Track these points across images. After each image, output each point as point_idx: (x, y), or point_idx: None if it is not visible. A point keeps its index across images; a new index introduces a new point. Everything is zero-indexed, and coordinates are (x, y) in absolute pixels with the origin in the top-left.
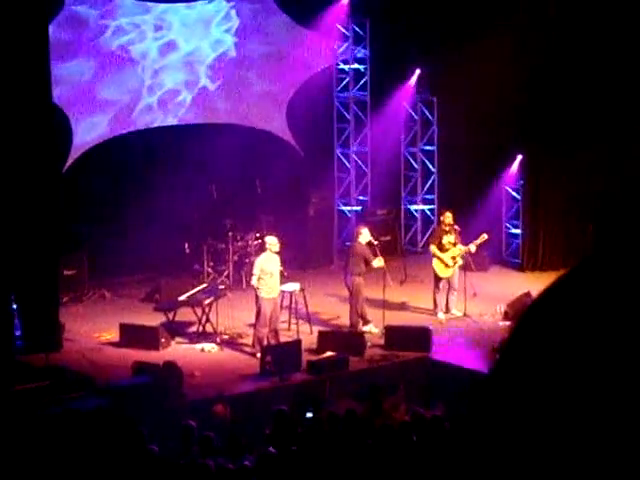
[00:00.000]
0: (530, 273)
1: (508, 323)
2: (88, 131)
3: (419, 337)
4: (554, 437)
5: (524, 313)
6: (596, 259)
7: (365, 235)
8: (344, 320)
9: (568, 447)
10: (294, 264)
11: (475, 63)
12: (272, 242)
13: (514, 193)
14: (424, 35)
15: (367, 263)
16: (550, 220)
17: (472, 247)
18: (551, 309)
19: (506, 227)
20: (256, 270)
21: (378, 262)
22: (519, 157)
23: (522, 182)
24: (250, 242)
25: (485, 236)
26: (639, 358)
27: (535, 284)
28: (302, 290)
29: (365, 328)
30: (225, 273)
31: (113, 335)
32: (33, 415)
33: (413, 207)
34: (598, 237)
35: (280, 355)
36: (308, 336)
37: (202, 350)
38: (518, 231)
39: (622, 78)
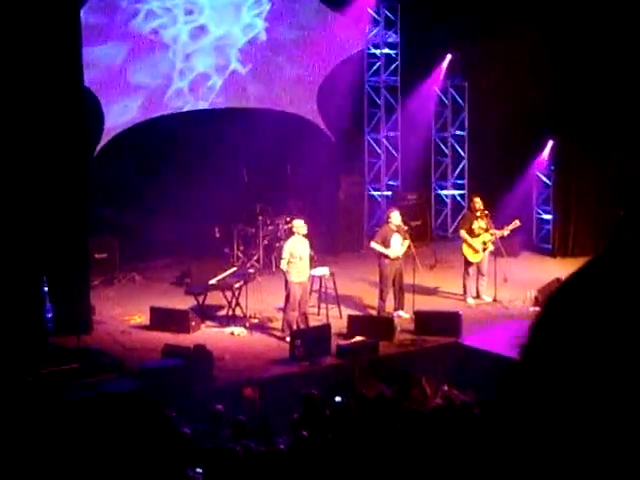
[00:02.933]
0: (561, 259)
1: (538, 309)
2: (119, 115)
3: (449, 322)
4: (583, 420)
5: (552, 296)
6: (625, 243)
7: (395, 218)
8: (375, 304)
9: (598, 429)
10: (324, 248)
11: (507, 48)
12: (299, 225)
13: (545, 179)
14: (455, 20)
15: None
16: (581, 206)
17: (504, 232)
18: (579, 292)
19: (537, 213)
20: (285, 254)
21: (394, 252)
22: (550, 143)
23: (553, 168)
24: (280, 226)
25: (518, 222)
26: None
27: (566, 270)
28: (332, 274)
29: (397, 313)
30: (255, 257)
31: (143, 318)
32: (63, 397)
33: (443, 192)
34: (629, 222)
35: (309, 339)
36: (338, 320)
37: (232, 334)
38: (549, 217)
39: None
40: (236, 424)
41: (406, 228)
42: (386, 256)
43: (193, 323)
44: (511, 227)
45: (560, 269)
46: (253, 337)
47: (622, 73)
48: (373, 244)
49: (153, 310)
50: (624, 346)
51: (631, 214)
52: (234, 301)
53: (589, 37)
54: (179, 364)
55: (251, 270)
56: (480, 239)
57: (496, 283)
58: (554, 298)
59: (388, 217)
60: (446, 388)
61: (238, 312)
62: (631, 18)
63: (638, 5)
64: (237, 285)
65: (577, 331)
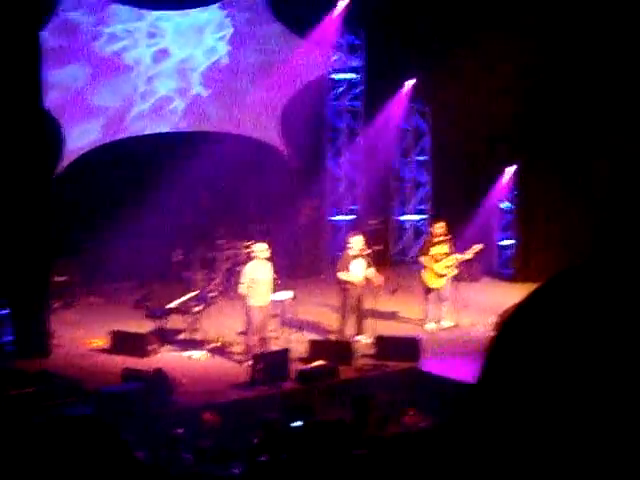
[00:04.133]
0: (522, 284)
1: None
2: (81, 137)
3: (409, 347)
4: (537, 441)
5: (506, 320)
6: (582, 267)
7: (356, 243)
8: (335, 329)
9: (553, 451)
10: (285, 272)
11: (469, 74)
12: (260, 249)
13: (507, 204)
14: (419, 45)
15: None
16: (542, 231)
17: (465, 257)
18: (532, 316)
19: (498, 238)
20: (245, 278)
21: (349, 276)
22: (512, 168)
23: (515, 193)
24: (241, 250)
25: (479, 246)
26: (622, 361)
27: (526, 294)
28: (293, 299)
29: (358, 338)
30: (216, 281)
31: (103, 342)
32: (18, 422)
33: (405, 217)
34: (592, 246)
35: (270, 363)
36: (298, 345)
37: (191, 358)
38: (510, 242)
39: (617, 89)
40: (196, 449)
41: (367, 252)
42: (347, 281)
43: (153, 347)
44: (472, 251)
45: (521, 294)
46: (213, 361)
47: (584, 98)
48: (340, 275)
49: (113, 333)
50: (575, 368)
51: (595, 238)
52: (194, 325)
53: (550, 64)
54: (138, 388)
55: (211, 294)
56: (442, 264)
57: (457, 308)
58: (508, 321)
59: (348, 242)
60: (406, 413)
61: (198, 336)
62: (590, 43)
63: (596, 30)
64: (197, 309)
65: (530, 353)
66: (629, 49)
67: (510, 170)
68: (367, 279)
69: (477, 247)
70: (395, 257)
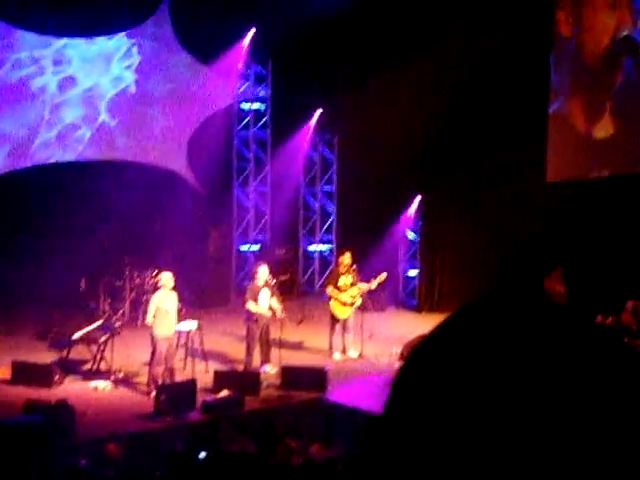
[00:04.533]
0: (427, 314)
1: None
2: None
3: (315, 378)
4: (442, 472)
5: (412, 350)
6: (488, 299)
7: (263, 273)
8: (242, 359)
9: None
10: (192, 302)
11: (376, 104)
12: (167, 278)
13: (412, 234)
14: (326, 76)
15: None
16: (447, 261)
17: (371, 286)
18: (438, 347)
19: (404, 268)
20: (152, 308)
21: (257, 307)
22: (418, 198)
23: (420, 223)
24: (148, 279)
25: (384, 275)
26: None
27: (431, 325)
28: (199, 329)
29: (263, 368)
30: (121, 310)
31: (5, 372)
32: None
33: (312, 247)
34: (499, 277)
35: (175, 394)
36: (204, 375)
37: (96, 388)
38: (415, 272)
39: (518, 123)
40: None
41: (274, 282)
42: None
43: (57, 377)
44: (378, 280)
45: (426, 324)
46: (118, 392)
47: (487, 130)
48: (249, 305)
49: (15, 364)
50: (477, 402)
51: (500, 270)
52: (99, 355)
53: (455, 96)
54: (38, 420)
55: (117, 324)
56: (347, 294)
57: (362, 338)
58: (414, 353)
59: (255, 272)
60: (311, 444)
61: (103, 366)
62: (489, 79)
63: (496, 64)
64: (102, 339)
65: (434, 387)
66: (521, 90)
67: (416, 200)
68: (273, 309)
69: (381, 277)
70: (302, 287)
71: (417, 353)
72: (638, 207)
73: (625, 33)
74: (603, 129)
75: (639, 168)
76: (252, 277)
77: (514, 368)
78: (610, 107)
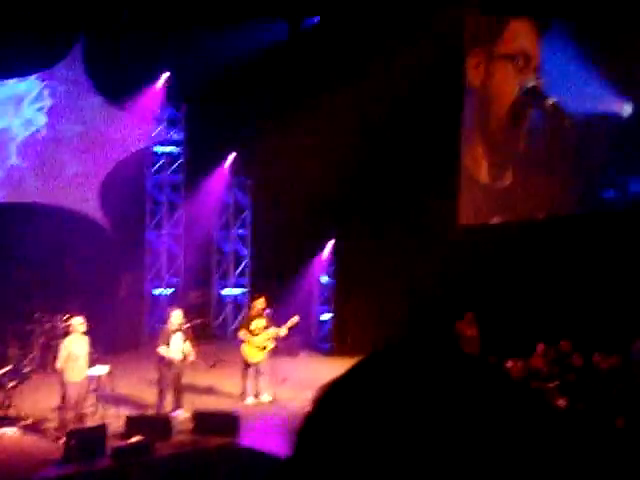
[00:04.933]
0: (339, 358)
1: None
2: None
3: (227, 422)
4: None
5: (320, 395)
6: (397, 347)
7: (176, 318)
8: (153, 404)
9: None
10: (103, 346)
11: (289, 149)
12: (78, 323)
13: (325, 278)
14: (240, 119)
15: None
16: (360, 305)
17: (283, 330)
18: (345, 392)
19: (317, 312)
20: (62, 352)
21: (169, 351)
22: (331, 242)
23: (333, 267)
24: (58, 324)
25: (296, 319)
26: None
27: (344, 369)
28: (110, 373)
29: (175, 413)
30: (31, 355)
31: None
32: None
33: (225, 291)
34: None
35: (85, 440)
36: (115, 420)
37: (4, 435)
38: (328, 316)
39: (431, 168)
40: None
41: (187, 327)
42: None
43: None
44: (289, 325)
45: (338, 368)
46: (27, 438)
47: (400, 175)
48: (160, 349)
49: None
50: (383, 446)
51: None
52: (7, 401)
53: (370, 138)
54: None
55: (26, 369)
56: (260, 338)
57: (275, 382)
58: (322, 397)
59: (168, 316)
60: None
61: (12, 412)
62: (404, 123)
63: (410, 111)
64: (11, 384)
65: (340, 429)
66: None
67: (329, 244)
68: (185, 354)
69: (292, 321)
70: (216, 331)
71: (325, 398)
72: (547, 251)
73: (532, 84)
74: (507, 181)
75: (539, 214)
76: (165, 321)
77: (418, 415)
78: (514, 160)
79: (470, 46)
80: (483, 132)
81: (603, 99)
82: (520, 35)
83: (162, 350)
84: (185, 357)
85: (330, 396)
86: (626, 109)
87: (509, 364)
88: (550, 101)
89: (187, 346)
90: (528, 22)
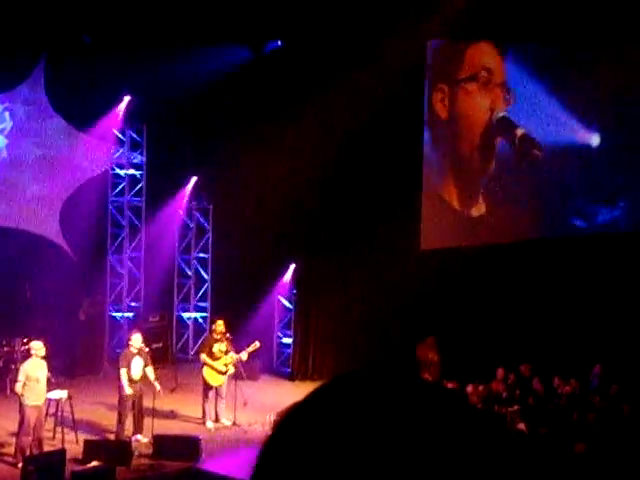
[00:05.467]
0: (300, 382)
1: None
2: None
3: (188, 446)
4: None
5: (282, 418)
6: (361, 372)
7: (136, 341)
8: (113, 428)
9: None
10: (63, 370)
11: (250, 173)
12: (37, 347)
13: (286, 302)
14: (201, 143)
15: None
16: (320, 330)
17: (244, 355)
18: (304, 417)
19: (278, 336)
20: (21, 376)
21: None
22: (292, 266)
23: (294, 291)
24: (17, 347)
25: (257, 344)
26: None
27: (304, 393)
28: (69, 398)
29: (135, 437)
30: None
31: None
32: None
33: (186, 314)
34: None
35: (43, 465)
36: (74, 445)
37: None
38: (289, 340)
39: (392, 193)
40: None
41: (147, 350)
42: (127, 379)
43: None
44: (250, 349)
45: (299, 393)
46: None
47: (361, 199)
48: (121, 372)
49: None
50: (342, 470)
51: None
52: None
53: (331, 162)
54: None
55: None
56: (221, 362)
57: (236, 406)
58: (282, 421)
59: (129, 340)
60: None
61: None
62: (365, 148)
63: (373, 136)
64: None
65: (300, 454)
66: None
67: (291, 268)
68: (145, 377)
69: (254, 346)
70: (177, 355)
71: (285, 422)
72: (507, 276)
73: (501, 114)
74: (477, 209)
75: (505, 239)
76: (126, 344)
77: (375, 442)
78: (483, 189)
79: (433, 78)
80: (453, 161)
81: (571, 128)
82: (482, 55)
83: (122, 373)
84: (147, 381)
85: (290, 421)
86: (594, 139)
87: (469, 388)
88: (520, 131)
89: (149, 370)
90: (489, 45)
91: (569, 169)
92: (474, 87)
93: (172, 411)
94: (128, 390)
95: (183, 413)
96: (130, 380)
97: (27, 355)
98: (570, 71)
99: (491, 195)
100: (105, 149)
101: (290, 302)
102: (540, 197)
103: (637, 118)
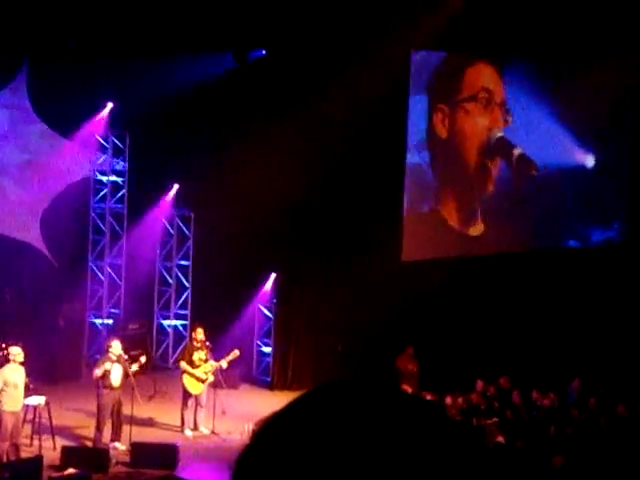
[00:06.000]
0: (279, 392)
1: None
2: None
3: (166, 454)
4: None
5: (261, 427)
6: (340, 384)
7: (116, 348)
8: (91, 435)
9: None
10: (41, 376)
11: (232, 181)
12: (16, 352)
13: (266, 311)
14: (183, 151)
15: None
16: (300, 339)
17: (223, 363)
18: (284, 426)
19: (258, 345)
20: None
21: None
22: (273, 275)
23: (274, 300)
24: None
25: (237, 352)
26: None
27: (284, 403)
28: (47, 404)
29: (113, 444)
30: None
31: None
32: None
33: (166, 322)
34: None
35: (20, 472)
36: (51, 452)
37: None
38: (269, 349)
39: (373, 204)
40: None
41: (126, 357)
42: (105, 386)
43: None
44: (230, 358)
45: (278, 402)
46: None
47: (342, 209)
48: (96, 372)
49: None
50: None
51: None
52: None
53: (314, 172)
54: None
55: None
56: (200, 370)
57: (214, 415)
58: (261, 430)
59: (109, 346)
60: None
61: None
62: (349, 157)
63: (355, 146)
64: None
65: (277, 462)
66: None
67: (271, 277)
68: (124, 385)
69: (233, 354)
70: (156, 362)
71: (263, 432)
72: (488, 288)
73: (500, 134)
74: (475, 229)
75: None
76: (105, 351)
77: (353, 452)
78: (481, 208)
79: (434, 98)
80: (452, 180)
81: (568, 148)
82: (481, 75)
83: (96, 371)
84: (126, 388)
85: (268, 430)
86: (589, 160)
87: (448, 400)
88: (517, 151)
89: (129, 377)
90: (488, 64)
91: (564, 189)
92: (474, 107)
93: (150, 419)
94: (108, 392)
95: (161, 421)
96: (109, 387)
97: (5, 360)
98: (566, 91)
99: (488, 214)
100: (87, 155)
101: (270, 311)
102: (535, 217)
103: (632, 139)
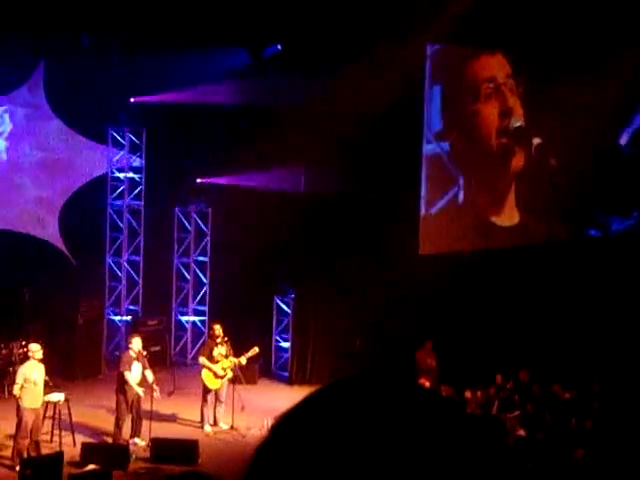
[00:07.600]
0: (298, 387)
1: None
2: None
3: (186, 450)
4: None
5: (279, 420)
6: (354, 379)
7: (136, 344)
8: (111, 432)
9: None
10: (61, 373)
11: (249, 175)
12: (35, 349)
13: (285, 306)
14: (200, 147)
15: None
16: (319, 334)
17: (242, 360)
18: (302, 420)
19: (276, 340)
20: (19, 379)
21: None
22: (291, 270)
23: (293, 295)
24: (15, 350)
25: (256, 349)
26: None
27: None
28: (67, 400)
29: (133, 441)
30: None
31: None
32: None
33: (184, 318)
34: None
35: (40, 468)
36: (71, 448)
37: None
38: (287, 344)
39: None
40: None
41: (145, 354)
42: (125, 382)
43: None
44: (250, 354)
45: (297, 397)
46: None
47: (363, 205)
48: (126, 374)
49: None
50: (337, 472)
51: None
52: None
53: (332, 168)
54: None
55: None
56: (220, 365)
57: (234, 411)
58: (279, 423)
59: (129, 343)
60: None
61: None
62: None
63: (374, 141)
64: None
65: (295, 457)
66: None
67: (289, 272)
68: (144, 381)
69: (253, 351)
70: (175, 358)
71: (280, 426)
72: (507, 281)
73: (518, 124)
74: (500, 218)
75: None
76: (125, 348)
77: (370, 447)
78: (503, 197)
79: (445, 89)
80: (475, 169)
81: (589, 136)
82: (496, 66)
83: (127, 375)
84: (145, 384)
85: (285, 424)
86: (610, 147)
87: (468, 394)
88: (536, 141)
89: (149, 373)
90: (503, 55)
91: (584, 178)
92: (490, 98)
93: (170, 415)
94: (138, 390)
95: (181, 417)
96: (128, 383)
97: (25, 358)
98: (585, 77)
99: (511, 204)
100: (105, 152)
101: (288, 306)
102: (555, 206)
103: None
